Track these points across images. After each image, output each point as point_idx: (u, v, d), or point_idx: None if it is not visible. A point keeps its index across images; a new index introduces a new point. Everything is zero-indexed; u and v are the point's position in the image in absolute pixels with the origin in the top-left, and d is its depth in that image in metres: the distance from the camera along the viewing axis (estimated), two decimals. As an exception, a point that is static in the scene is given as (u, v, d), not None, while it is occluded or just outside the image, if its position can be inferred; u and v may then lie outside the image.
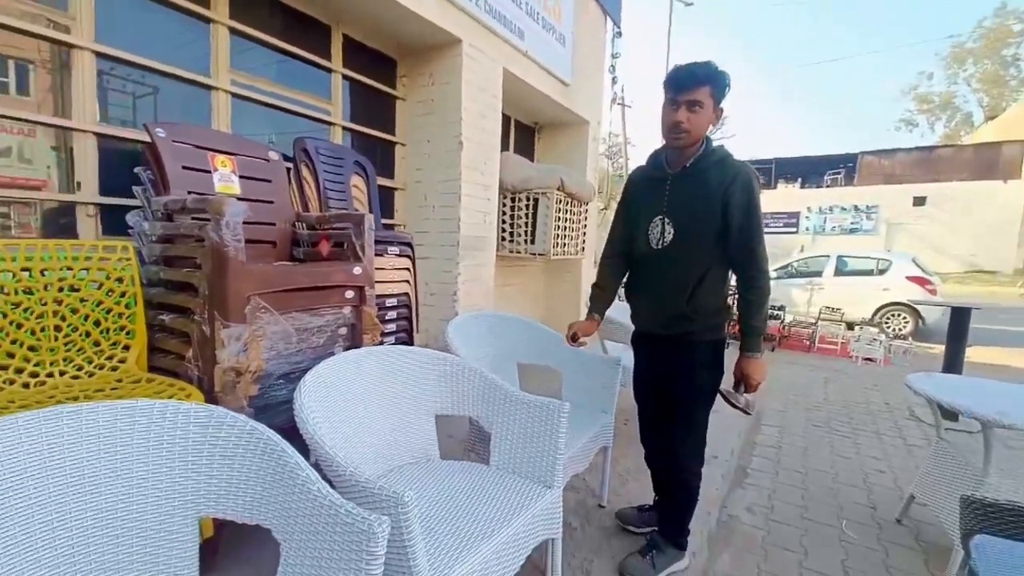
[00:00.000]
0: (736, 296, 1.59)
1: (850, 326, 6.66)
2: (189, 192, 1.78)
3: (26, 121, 1.82)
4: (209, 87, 2.33)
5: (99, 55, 1.96)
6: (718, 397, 1.65)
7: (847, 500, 2.44)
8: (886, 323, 7.51)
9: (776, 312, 6.85)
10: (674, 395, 1.67)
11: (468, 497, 1.37)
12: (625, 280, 1.85)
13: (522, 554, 1.29)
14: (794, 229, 20.51)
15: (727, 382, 1.66)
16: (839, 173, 21.42)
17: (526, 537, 1.31)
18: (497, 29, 3.29)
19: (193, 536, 1.06)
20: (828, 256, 8.47)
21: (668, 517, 1.80)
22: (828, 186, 21.14)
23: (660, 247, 1.59)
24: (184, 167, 1.81)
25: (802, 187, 21.66)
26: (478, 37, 3.16)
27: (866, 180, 20.47)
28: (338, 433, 1.37)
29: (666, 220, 1.57)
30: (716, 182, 1.48)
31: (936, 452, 2.09)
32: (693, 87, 1.42)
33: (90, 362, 1.62)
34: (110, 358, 1.66)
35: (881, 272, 7.83)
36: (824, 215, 20.12)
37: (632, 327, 1.85)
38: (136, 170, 1.79)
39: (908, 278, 7.52)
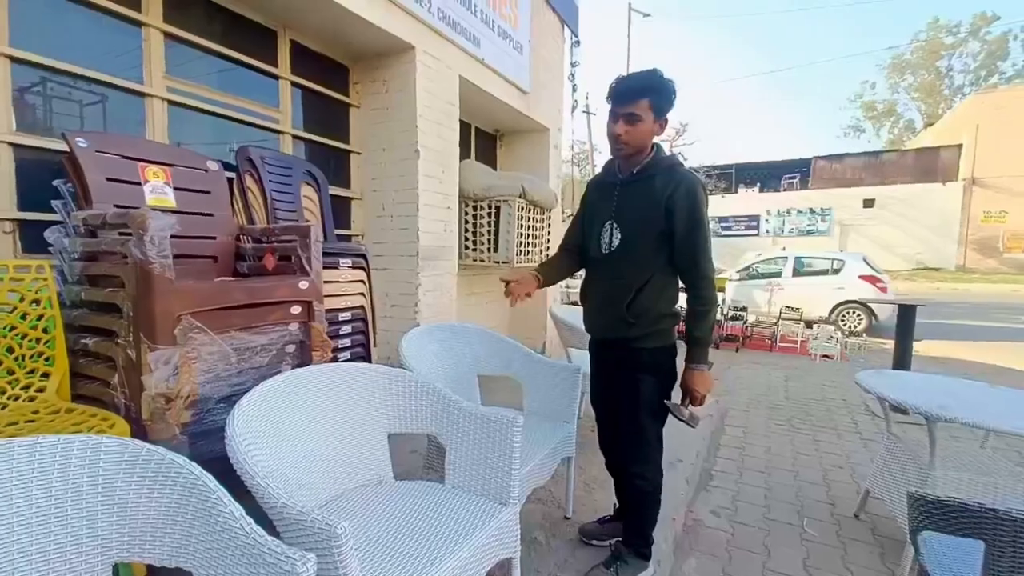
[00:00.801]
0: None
1: (808, 324, 6.89)
2: (115, 206, 1.66)
3: (-72, 131, 1.66)
4: (143, 94, 2.20)
5: (14, 60, 1.82)
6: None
7: (808, 498, 2.48)
8: (842, 321, 7.80)
9: (739, 313, 7.03)
10: (620, 402, 1.66)
11: (418, 520, 1.30)
12: (580, 285, 1.85)
13: (477, 577, 1.23)
14: (755, 232, 21.26)
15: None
16: (795, 178, 22.36)
17: (481, 559, 1.25)
18: (451, 36, 3.26)
19: (105, 585, 0.96)
20: (786, 257, 8.76)
21: (629, 526, 1.78)
22: (785, 190, 22.03)
23: (608, 252, 1.60)
24: (109, 179, 1.69)
25: (761, 191, 22.50)
26: (432, 44, 3.12)
27: (820, 184, 21.42)
28: (278, 459, 1.28)
29: (614, 225, 1.58)
30: (660, 189, 1.48)
31: (887, 447, 2.14)
32: (631, 99, 1.44)
33: (3, 393, 1.47)
34: (26, 387, 1.52)
35: (836, 272, 8.15)
36: (783, 218, 20.94)
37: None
38: (55, 183, 1.66)
39: (860, 277, 7.85)
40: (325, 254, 2.16)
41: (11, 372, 1.49)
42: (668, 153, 1.57)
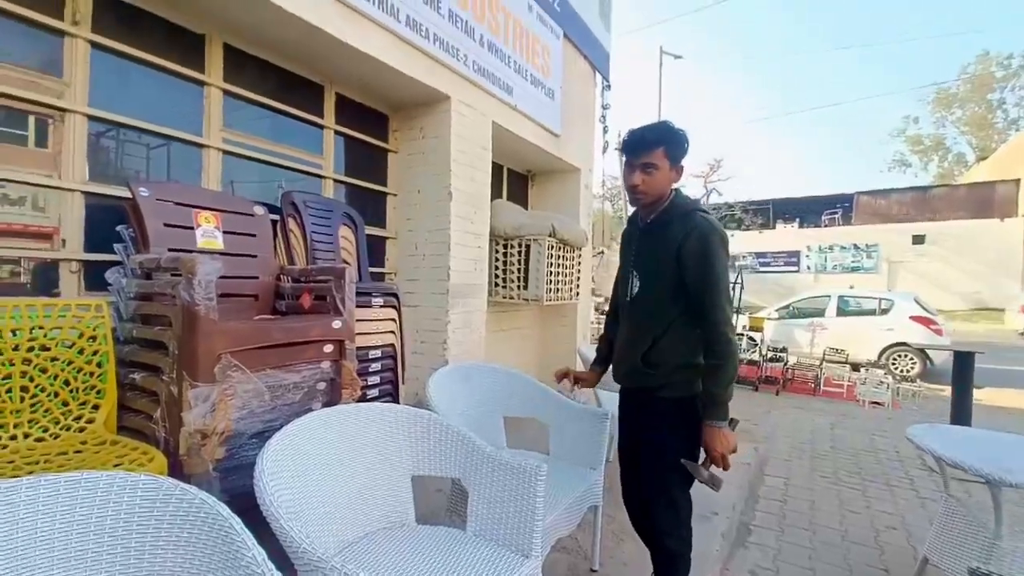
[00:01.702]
0: None
1: (855, 367, 6.52)
2: (170, 248, 1.79)
3: (14, 182, 1.86)
4: (201, 145, 2.40)
5: (92, 118, 2.03)
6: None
7: (858, 561, 2.29)
8: (893, 364, 7.35)
9: (779, 354, 6.74)
10: (640, 454, 1.62)
11: (440, 569, 1.28)
12: None
13: (495, 635, 1.19)
14: (795, 268, 20.56)
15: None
16: (836, 213, 21.67)
17: (500, 615, 1.22)
18: (485, 85, 3.41)
19: (134, 623, 0.98)
20: (829, 296, 8.41)
21: (658, 585, 1.68)
22: (827, 225, 21.35)
23: (630, 299, 1.61)
24: (166, 224, 1.83)
25: (800, 227, 21.88)
26: (466, 93, 3.28)
27: (863, 219, 20.67)
28: (303, 500, 1.30)
29: (634, 273, 1.60)
30: (673, 236, 1.46)
31: (945, 510, 1.97)
32: (645, 150, 1.46)
33: (57, 423, 1.57)
34: (78, 418, 1.61)
35: (884, 312, 7.75)
36: (824, 254, 20.20)
37: None
38: (118, 228, 1.81)
39: (912, 318, 7.43)
40: (359, 293, 2.23)
41: (66, 404, 1.59)
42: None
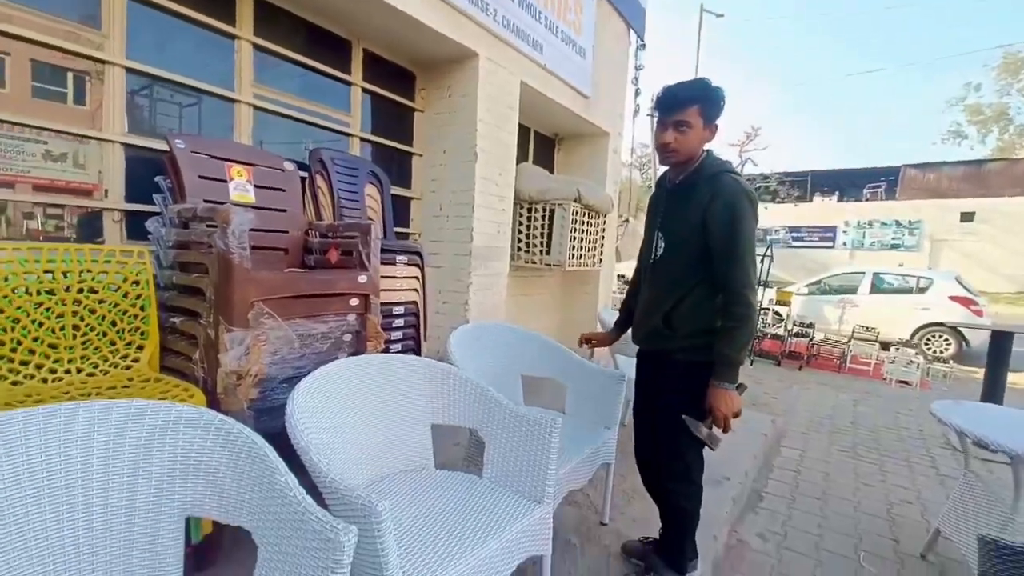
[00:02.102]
0: None
1: (885, 346, 6.36)
2: (205, 200, 1.86)
3: (57, 132, 1.94)
4: (233, 100, 2.43)
5: (129, 70, 2.08)
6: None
7: (868, 531, 2.32)
8: (926, 344, 7.13)
9: (805, 329, 6.61)
10: (654, 414, 1.66)
11: (454, 509, 1.36)
12: None
13: (506, 570, 1.27)
14: (830, 244, 19.79)
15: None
16: (880, 187, 20.60)
17: (510, 553, 1.29)
18: (514, 43, 3.32)
19: (178, 534, 1.08)
20: (863, 272, 8.12)
21: (665, 539, 1.75)
22: (868, 200, 20.35)
23: (654, 261, 1.61)
24: (201, 176, 1.89)
25: (839, 200, 20.92)
26: (495, 50, 3.20)
27: (909, 194, 19.60)
28: (330, 439, 1.38)
29: (659, 234, 1.59)
30: (700, 198, 1.45)
31: (964, 485, 1.96)
32: (679, 108, 1.43)
33: (105, 360, 1.69)
34: (124, 357, 1.73)
35: (921, 290, 7.46)
36: (863, 229, 19.34)
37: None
38: (156, 179, 1.88)
39: (951, 298, 7.14)
40: (383, 251, 2.28)
41: (113, 343, 1.71)
42: (736, 159, 1.56)
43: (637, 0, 5.01)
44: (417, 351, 2.56)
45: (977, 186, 18.51)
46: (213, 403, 1.57)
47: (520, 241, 3.96)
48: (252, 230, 2.03)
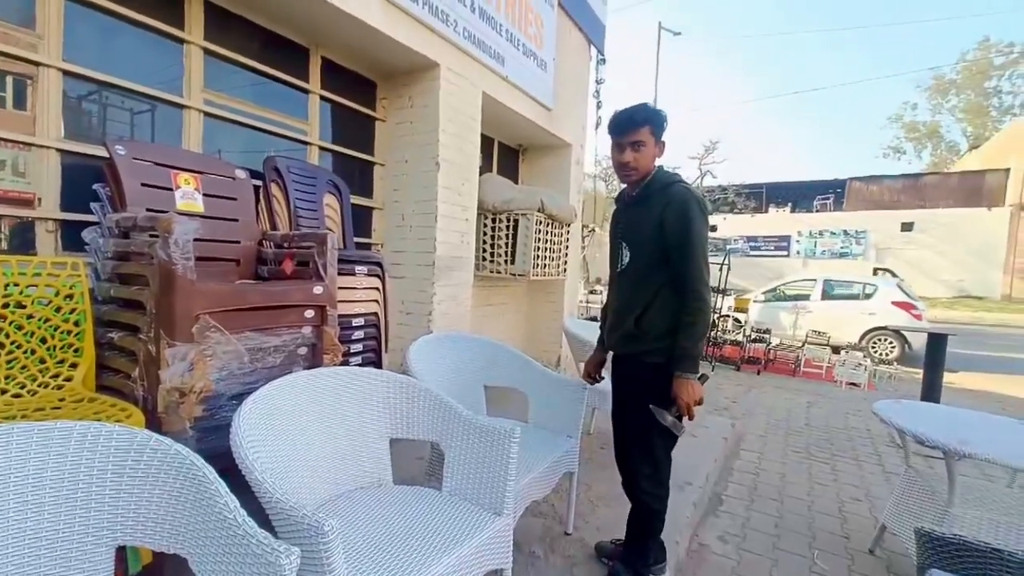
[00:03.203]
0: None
1: (836, 350, 6.66)
2: (148, 209, 1.77)
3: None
4: (181, 106, 2.34)
5: (66, 73, 1.97)
6: (685, 425, 1.63)
7: (821, 529, 2.40)
8: (873, 348, 7.52)
9: (762, 335, 6.86)
10: (627, 416, 1.74)
11: (412, 524, 1.32)
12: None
13: (465, 586, 1.24)
14: (785, 252, 20.72)
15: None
16: (828, 198, 21.78)
17: (469, 567, 1.26)
18: (475, 54, 3.35)
19: (108, 564, 1.01)
20: (815, 280, 8.52)
21: (630, 544, 1.77)
22: (818, 211, 21.45)
23: (621, 270, 1.72)
24: (143, 184, 1.80)
25: (792, 211, 21.97)
26: (456, 62, 3.22)
27: (855, 205, 20.80)
28: (280, 457, 1.33)
29: (623, 244, 1.71)
30: (656, 207, 1.58)
31: (905, 481, 2.05)
32: (633, 129, 1.57)
33: (34, 380, 1.58)
34: (55, 376, 1.62)
35: (867, 296, 7.88)
36: (815, 239, 20.36)
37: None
38: (95, 187, 1.78)
39: (894, 303, 7.57)
40: (342, 261, 2.23)
41: (43, 361, 1.59)
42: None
43: (596, 16, 5.14)
44: (378, 363, 2.50)
45: (914, 198, 19.84)
46: (153, 422, 1.49)
47: (485, 251, 3.95)
48: (201, 240, 1.96)
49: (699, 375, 1.55)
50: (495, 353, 2.34)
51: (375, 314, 2.48)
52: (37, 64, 1.90)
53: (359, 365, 2.38)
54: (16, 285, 1.55)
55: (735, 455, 3.35)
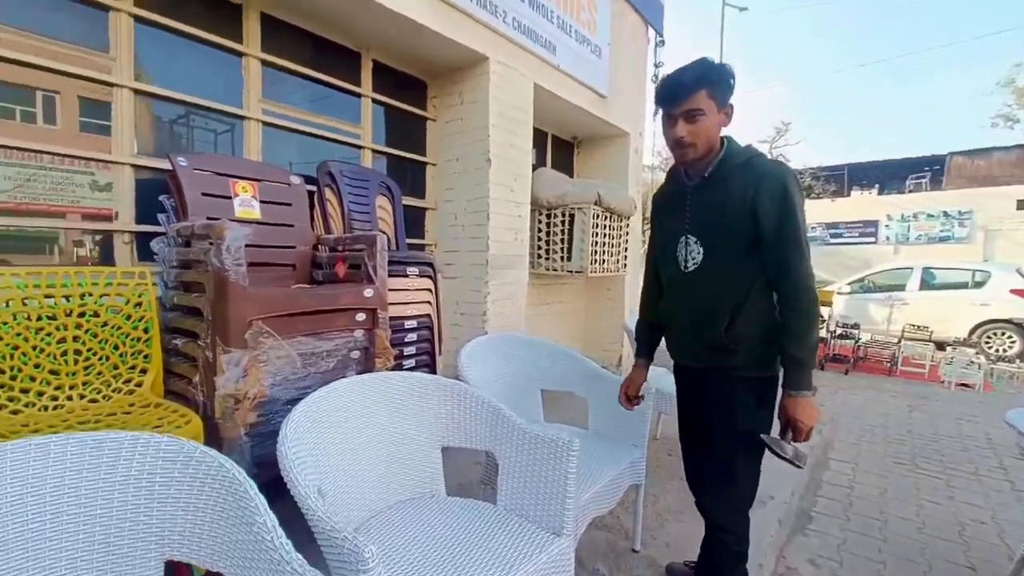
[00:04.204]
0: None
1: (940, 346, 5.90)
2: (208, 218, 1.81)
3: (67, 156, 1.94)
4: (241, 117, 2.42)
5: (138, 92, 2.08)
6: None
7: (937, 556, 2.06)
8: (987, 343, 6.60)
9: (849, 331, 6.21)
10: (710, 439, 1.44)
11: (463, 544, 1.23)
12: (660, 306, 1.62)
13: (520, 615, 1.13)
14: (872, 239, 18.82)
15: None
16: (923, 177, 19.53)
17: (526, 594, 1.15)
18: (525, 44, 3.23)
19: (158, 577, 1.00)
20: (912, 268, 7.61)
21: (707, 571, 1.57)
22: (911, 191, 19.29)
23: (689, 269, 1.39)
24: (204, 194, 1.85)
25: (880, 194, 19.92)
26: (505, 53, 3.12)
27: (956, 184, 18.48)
28: (328, 468, 1.28)
29: (691, 238, 1.38)
30: (740, 189, 1.27)
31: (1052, 507, 1.70)
32: (685, 95, 1.25)
33: (108, 386, 1.65)
34: (127, 381, 1.69)
35: (978, 285, 6.92)
36: (907, 223, 18.30)
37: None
38: (160, 198, 1.85)
39: (1013, 291, 6.59)
40: (394, 262, 2.20)
41: (116, 368, 1.67)
42: (752, 148, 1.35)
43: (654, -5, 4.86)
44: (432, 366, 2.46)
45: (1033, 171, 17.32)
46: (212, 428, 1.51)
47: (540, 248, 3.83)
48: (258, 246, 1.99)
49: (814, 391, 1.28)
50: (552, 355, 2.21)
51: (428, 316, 2.43)
52: (112, 85, 2.01)
53: (412, 368, 2.35)
54: (90, 295, 1.62)
55: (823, 465, 3.00)
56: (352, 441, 1.39)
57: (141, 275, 1.72)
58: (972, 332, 6.71)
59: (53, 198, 1.93)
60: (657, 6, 4.95)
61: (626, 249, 4.28)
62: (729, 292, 1.33)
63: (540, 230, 3.81)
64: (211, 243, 1.48)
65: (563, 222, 3.73)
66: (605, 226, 3.86)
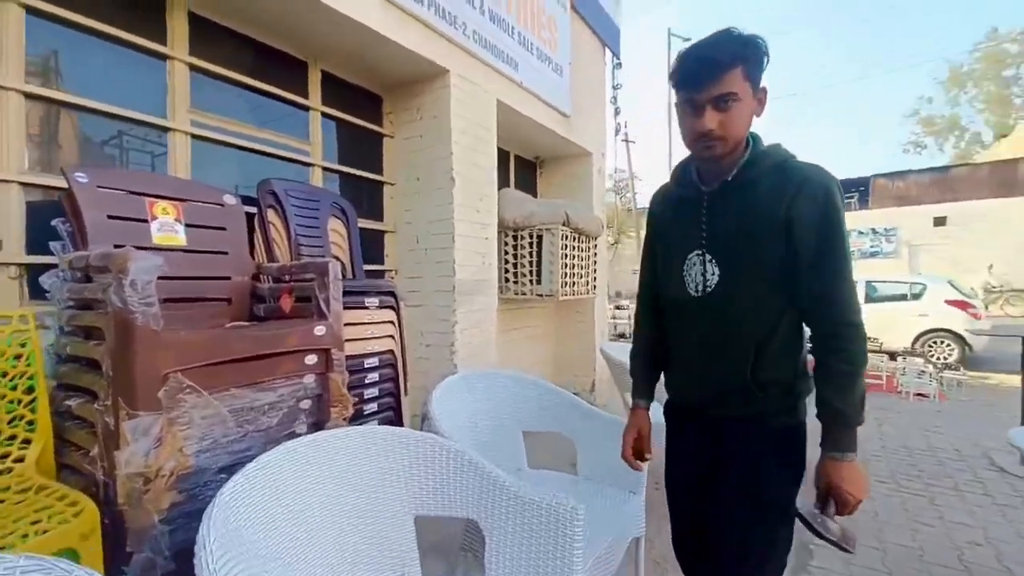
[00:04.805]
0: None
1: (892, 356, 6.12)
2: (116, 245, 1.48)
3: (-68, 173, 1.56)
4: (166, 128, 2.09)
5: (29, 96, 1.73)
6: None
7: (946, 589, 1.94)
8: (929, 352, 6.93)
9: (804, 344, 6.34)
10: (720, 505, 1.14)
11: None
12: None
13: None
14: (811, 255, 19.93)
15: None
16: (852, 197, 21.04)
17: None
18: (487, 58, 3.08)
19: None
20: (855, 281, 7.96)
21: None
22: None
23: (703, 293, 1.12)
24: (111, 216, 1.52)
25: (815, 213, 21.21)
26: (466, 67, 2.95)
27: (880, 203, 20.03)
28: (268, 567, 0.98)
29: (706, 256, 1.11)
30: (772, 196, 1.03)
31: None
32: (718, 76, 0.98)
33: (-25, 464, 1.27)
34: (4, 457, 1.31)
35: (916, 297, 7.31)
36: (841, 240, 19.56)
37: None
38: (54, 222, 1.50)
39: (948, 302, 6.99)
40: (350, 292, 1.92)
41: (-14, 440, 1.29)
42: (783, 148, 1.11)
43: (610, 18, 4.89)
44: (398, 409, 2.16)
45: (944, 191, 19.02)
46: (115, 517, 1.16)
47: (507, 271, 3.63)
48: (182, 278, 1.67)
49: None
50: (530, 392, 1.99)
51: (391, 351, 2.15)
52: (-6, 87, 1.65)
53: (375, 413, 2.05)
54: (-52, 348, 1.25)
55: (809, 489, 2.89)
56: (303, 525, 1.10)
57: (21, 319, 1.36)
58: (915, 341, 7.04)
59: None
60: (614, 28, 4.99)
61: (595, 271, 4.15)
62: (753, 323, 1.08)
63: (507, 252, 3.61)
64: (112, 277, 1.17)
65: (531, 244, 3.55)
66: (574, 247, 3.71)
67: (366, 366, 2.02)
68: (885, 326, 7.09)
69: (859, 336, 1.02)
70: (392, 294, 2.16)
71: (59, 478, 1.33)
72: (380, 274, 3.06)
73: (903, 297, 7.45)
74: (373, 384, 2.06)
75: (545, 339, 4.67)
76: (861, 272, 9.68)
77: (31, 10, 1.73)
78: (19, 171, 1.71)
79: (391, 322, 2.15)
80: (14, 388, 1.33)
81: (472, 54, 2.98)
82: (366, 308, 2.05)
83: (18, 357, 1.35)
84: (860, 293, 7.64)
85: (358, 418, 1.91)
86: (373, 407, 2.06)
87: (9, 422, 1.32)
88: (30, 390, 1.36)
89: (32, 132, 1.77)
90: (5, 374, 1.32)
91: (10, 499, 1.19)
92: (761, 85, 1.05)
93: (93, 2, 1.87)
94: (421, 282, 3.01)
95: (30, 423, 1.35)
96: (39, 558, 0.73)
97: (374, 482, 1.27)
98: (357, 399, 1.88)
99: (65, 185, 1.52)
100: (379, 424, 2.02)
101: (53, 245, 1.50)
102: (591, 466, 1.82)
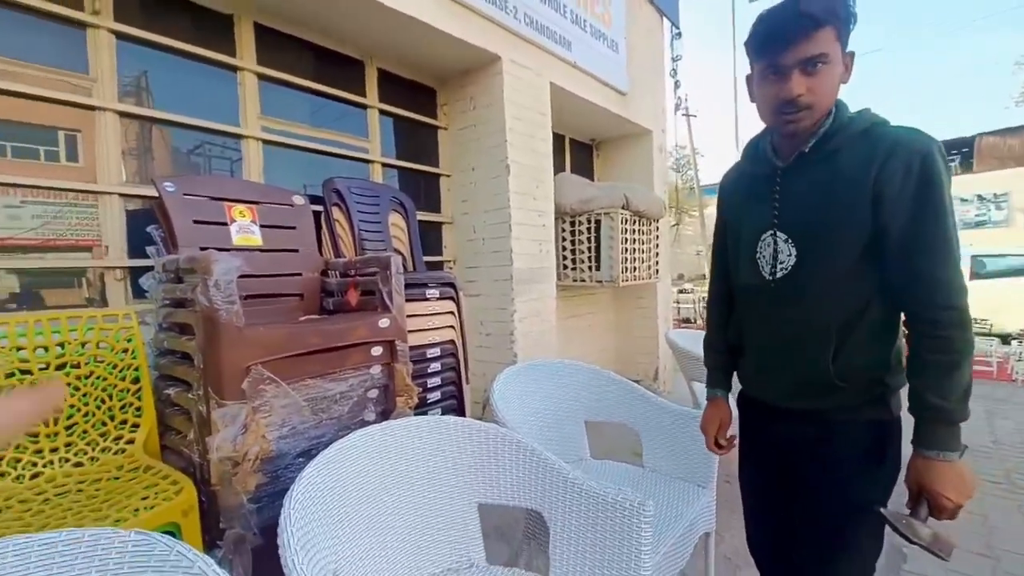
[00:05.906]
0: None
1: (1004, 339, 5.44)
2: (202, 248, 1.61)
3: (51, 189, 1.76)
4: (240, 136, 2.23)
5: (122, 114, 1.90)
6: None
7: (1075, 605, 1.71)
8: (1052, 333, 6.09)
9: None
10: (798, 505, 1.06)
11: (515, 645, 0.97)
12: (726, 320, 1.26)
13: None
14: (902, 228, 18.05)
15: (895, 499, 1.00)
16: (953, 160, 18.76)
17: None
18: (538, 41, 3.01)
19: None
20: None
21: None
22: (940, 176, 18.49)
23: (777, 276, 1.02)
24: (196, 221, 1.65)
25: (906, 181, 19.14)
26: (518, 51, 2.90)
27: (987, 164, 17.71)
28: (345, 548, 1.04)
29: (779, 236, 1.01)
30: (857, 166, 0.91)
31: None
32: (812, 33, 0.88)
33: (95, 446, 1.44)
34: (117, 439, 1.48)
35: (1035, 271, 6.44)
36: (939, 209, 17.52)
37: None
38: (148, 229, 1.66)
39: (1075, 276, 6.10)
40: (411, 285, 1.97)
41: (103, 424, 1.45)
42: (871, 112, 0.97)
43: (668, -14, 4.62)
44: (460, 398, 2.21)
45: (1071, 147, 16.47)
46: (208, 497, 1.28)
47: (566, 258, 3.58)
48: (260, 276, 1.78)
49: (962, 451, 0.90)
50: (595, 382, 1.95)
51: (452, 342, 2.19)
52: (94, 108, 1.84)
53: (438, 402, 2.11)
54: (69, 343, 1.42)
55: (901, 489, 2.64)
56: (375, 508, 1.15)
57: (126, 317, 1.51)
58: (1034, 322, 6.21)
59: (43, 232, 1.76)
60: (672, -3, 4.71)
61: (657, 254, 3.99)
62: (833, 308, 0.97)
63: (565, 239, 3.55)
64: (198, 278, 1.27)
65: (589, 229, 3.47)
66: (634, 231, 3.59)
67: (428, 356, 2.07)
68: (996, 306, 6.29)
69: (961, 321, 0.89)
70: (452, 285, 2.19)
71: (162, 459, 1.48)
72: (439, 265, 3.13)
73: (1017, 272, 6.58)
74: (436, 374, 2.12)
75: (606, 326, 4.58)
76: (966, 245, 8.69)
77: (120, 35, 1.89)
78: (119, 183, 1.90)
79: (451, 313, 2.19)
80: (123, 379, 1.49)
81: (523, 37, 2.92)
82: (427, 300, 2.10)
83: (125, 351, 1.50)
84: (965, 270, 6.87)
85: (422, 407, 1.97)
86: (436, 396, 2.11)
87: (120, 408, 1.48)
88: (136, 380, 1.52)
89: (127, 147, 1.95)
90: (115, 366, 1.49)
91: (124, 477, 1.34)
92: (848, 50, 0.94)
93: (170, 23, 2.02)
94: (479, 272, 3.04)
95: (137, 410, 1.51)
96: (146, 533, 0.81)
97: (441, 469, 1.30)
98: (421, 389, 1.94)
99: (156, 194, 1.67)
100: (442, 413, 2.07)
101: (149, 249, 1.66)
102: (658, 458, 1.77)
